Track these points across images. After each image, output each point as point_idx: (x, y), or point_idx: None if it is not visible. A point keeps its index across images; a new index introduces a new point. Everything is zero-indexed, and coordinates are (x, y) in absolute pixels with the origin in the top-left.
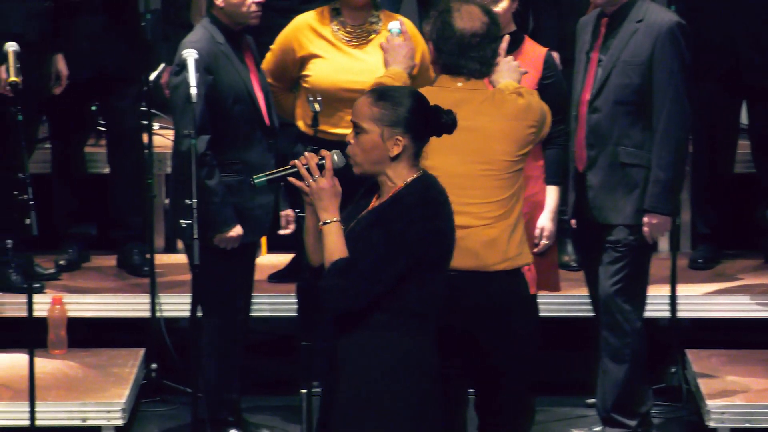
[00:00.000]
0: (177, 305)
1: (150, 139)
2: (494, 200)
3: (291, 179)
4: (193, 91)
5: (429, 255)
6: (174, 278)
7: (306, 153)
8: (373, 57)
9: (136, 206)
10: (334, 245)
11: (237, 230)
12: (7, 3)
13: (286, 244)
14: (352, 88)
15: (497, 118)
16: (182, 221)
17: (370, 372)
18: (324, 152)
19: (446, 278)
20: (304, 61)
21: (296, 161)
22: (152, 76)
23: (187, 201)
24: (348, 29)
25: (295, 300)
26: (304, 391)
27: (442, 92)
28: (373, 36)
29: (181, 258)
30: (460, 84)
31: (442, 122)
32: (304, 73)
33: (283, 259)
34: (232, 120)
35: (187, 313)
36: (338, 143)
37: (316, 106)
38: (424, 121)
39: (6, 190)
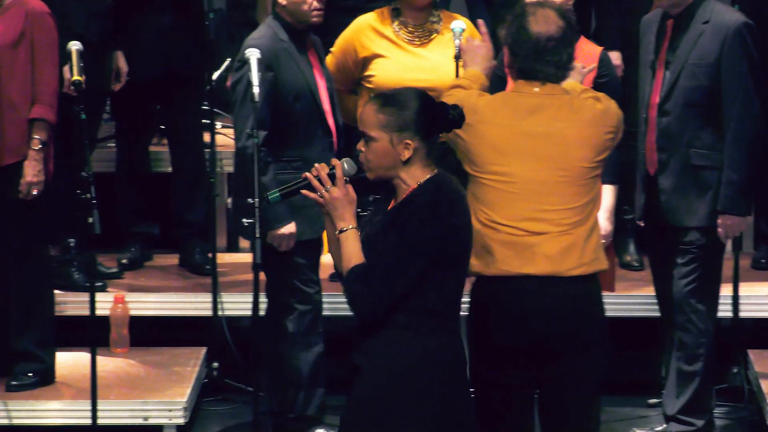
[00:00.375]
0: (239, 304)
1: (212, 138)
2: (571, 206)
3: (304, 191)
4: (256, 90)
5: (445, 253)
6: (236, 277)
7: (316, 164)
8: (436, 55)
9: (198, 205)
10: (352, 252)
11: (290, 228)
12: (70, 3)
13: None
14: (419, 86)
15: (575, 124)
16: (244, 220)
17: (390, 372)
18: (334, 161)
19: (464, 277)
20: (367, 61)
21: (307, 173)
22: (215, 75)
23: (249, 200)
24: (410, 29)
25: None
26: None
27: (519, 97)
28: (434, 36)
29: (243, 257)
30: (536, 89)
31: (450, 118)
32: (367, 73)
33: None
34: (293, 117)
35: (249, 312)
36: None
37: None
38: (431, 121)
39: (69, 189)
